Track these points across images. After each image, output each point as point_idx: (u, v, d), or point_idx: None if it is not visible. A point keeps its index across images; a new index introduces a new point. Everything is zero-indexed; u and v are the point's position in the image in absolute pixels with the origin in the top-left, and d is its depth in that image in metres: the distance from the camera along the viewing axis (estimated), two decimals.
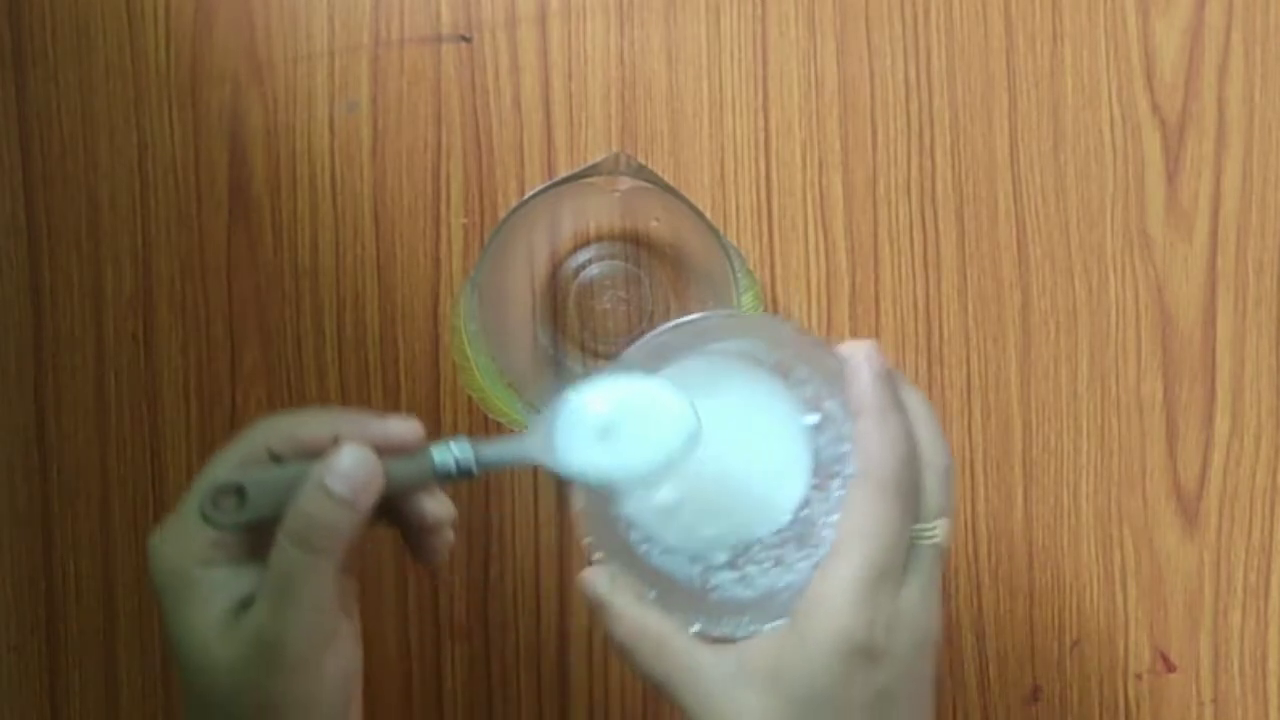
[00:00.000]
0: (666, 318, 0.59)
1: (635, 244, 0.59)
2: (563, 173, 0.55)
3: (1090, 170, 0.60)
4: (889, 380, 0.44)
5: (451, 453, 0.44)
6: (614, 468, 0.45)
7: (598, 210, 0.59)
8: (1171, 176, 0.60)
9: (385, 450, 0.43)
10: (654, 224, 0.58)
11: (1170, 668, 0.60)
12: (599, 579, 0.45)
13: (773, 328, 0.48)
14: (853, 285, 0.61)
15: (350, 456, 0.42)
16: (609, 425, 0.45)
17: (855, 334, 0.60)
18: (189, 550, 0.43)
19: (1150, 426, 0.60)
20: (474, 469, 0.44)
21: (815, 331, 0.61)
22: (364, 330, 0.61)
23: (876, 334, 0.60)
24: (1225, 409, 0.60)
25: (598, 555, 0.46)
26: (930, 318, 0.61)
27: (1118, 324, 0.60)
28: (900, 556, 0.42)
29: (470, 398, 0.57)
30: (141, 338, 0.62)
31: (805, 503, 0.47)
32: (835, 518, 0.44)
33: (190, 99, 0.62)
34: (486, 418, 0.57)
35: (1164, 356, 0.60)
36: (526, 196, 0.53)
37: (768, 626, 0.43)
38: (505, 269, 0.56)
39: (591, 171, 0.53)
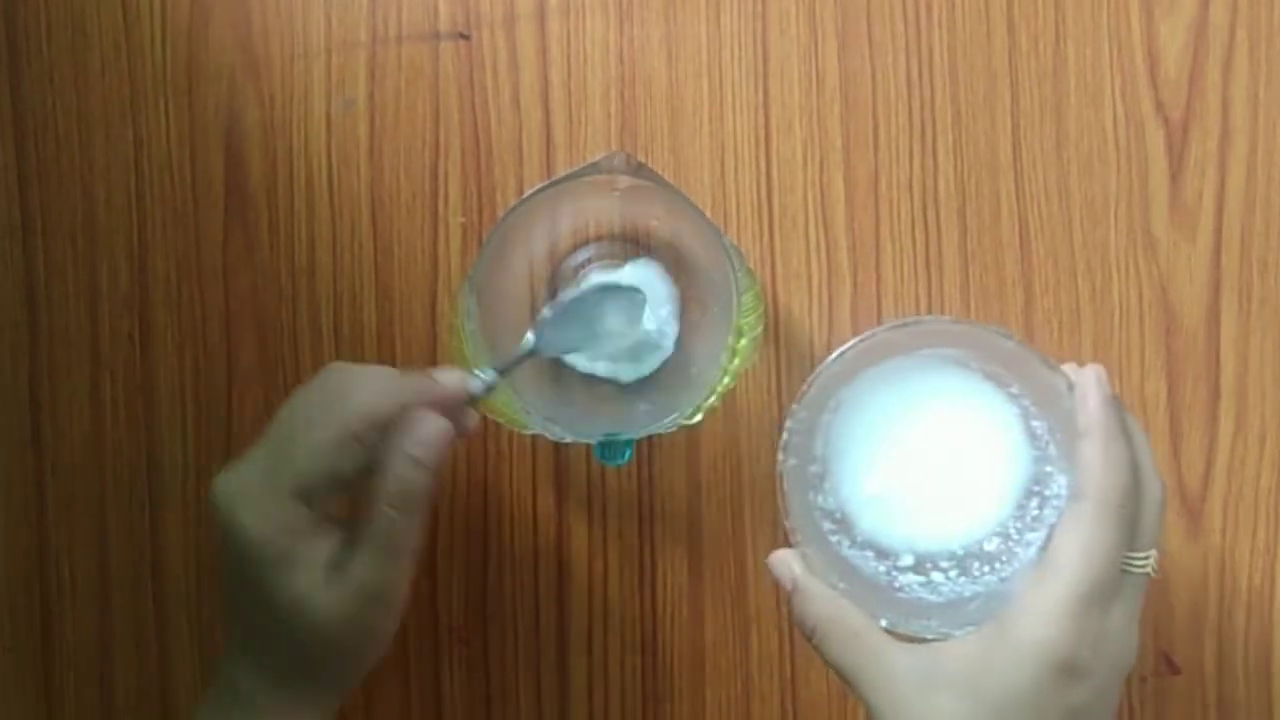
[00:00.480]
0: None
1: (635, 243, 0.59)
2: (562, 171, 0.55)
3: (1093, 169, 0.60)
4: (1117, 406, 0.45)
5: (481, 379, 0.50)
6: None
7: (597, 209, 0.58)
8: (1175, 175, 0.60)
9: (442, 405, 0.49)
10: (654, 223, 0.58)
11: (1174, 670, 0.60)
12: (794, 560, 0.47)
13: (993, 340, 0.48)
14: (854, 284, 0.60)
15: (427, 426, 0.48)
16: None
17: (857, 333, 0.60)
18: (280, 522, 0.47)
19: (1154, 426, 0.60)
20: (496, 384, 0.51)
21: (817, 332, 0.60)
22: (361, 329, 0.61)
23: None
24: (1229, 409, 0.60)
25: (797, 537, 0.47)
26: None
27: (1121, 323, 0.60)
28: (1114, 580, 0.43)
29: None
30: (137, 337, 0.62)
31: (1011, 514, 0.48)
32: (1031, 535, 0.47)
33: (186, 96, 0.61)
34: (485, 417, 0.56)
35: (1168, 356, 0.60)
36: (525, 195, 0.52)
37: (958, 632, 0.44)
38: (504, 268, 0.56)
39: (591, 170, 0.52)
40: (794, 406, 0.48)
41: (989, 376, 0.49)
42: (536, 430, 0.53)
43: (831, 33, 0.60)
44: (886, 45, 0.60)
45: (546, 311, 0.53)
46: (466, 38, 0.61)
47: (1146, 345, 0.60)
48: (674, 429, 0.53)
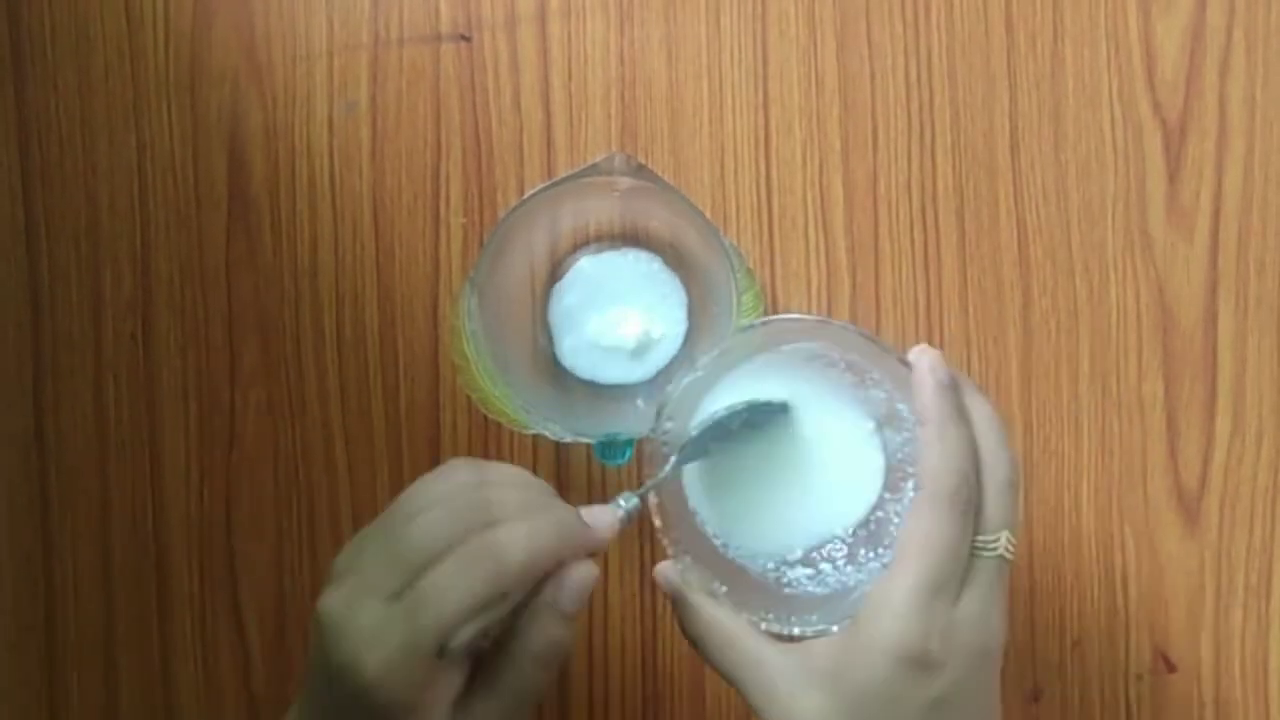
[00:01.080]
0: None
1: (635, 244, 0.59)
2: (562, 172, 0.55)
3: (1091, 170, 0.60)
4: (952, 391, 0.45)
5: (624, 509, 0.46)
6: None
7: (597, 210, 0.59)
8: (1172, 176, 0.60)
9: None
10: (654, 224, 0.58)
11: (1171, 668, 0.60)
12: (671, 573, 0.47)
13: (840, 333, 0.49)
14: (853, 285, 0.61)
15: (580, 579, 0.43)
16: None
17: None
18: (412, 680, 0.41)
19: (1151, 426, 0.60)
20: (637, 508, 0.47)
21: None
22: (363, 330, 0.61)
23: (876, 333, 0.60)
24: (1226, 409, 0.60)
25: (673, 550, 0.48)
26: (931, 317, 0.60)
27: (1119, 324, 0.60)
28: (957, 568, 0.43)
29: (469, 397, 0.57)
30: (140, 339, 0.62)
31: (879, 503, 0.48)
32: None
33: (189, 99, 0.62)
34: (486, 417, 0.57)
35: (1165, 356, 0.60)
36: (526, 196, 0.53)
37: (835, 627, 0.45)
38: (505, 269, 0.56)
39: (591, 171, 0.52)
40: (658, 419, 0.48)
41: (850, 366, 0.49)
42: (536, 430, 0.53)
43: (831, 34, 0.61)
44: (885, 47, 0.61)
45: (693, 431, 0.49)
46: (468, 40, 0.61)
47: (1144, 346, 0.60)
48: None
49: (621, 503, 0.46)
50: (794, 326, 0.50)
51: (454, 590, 0.41)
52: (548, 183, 0.53)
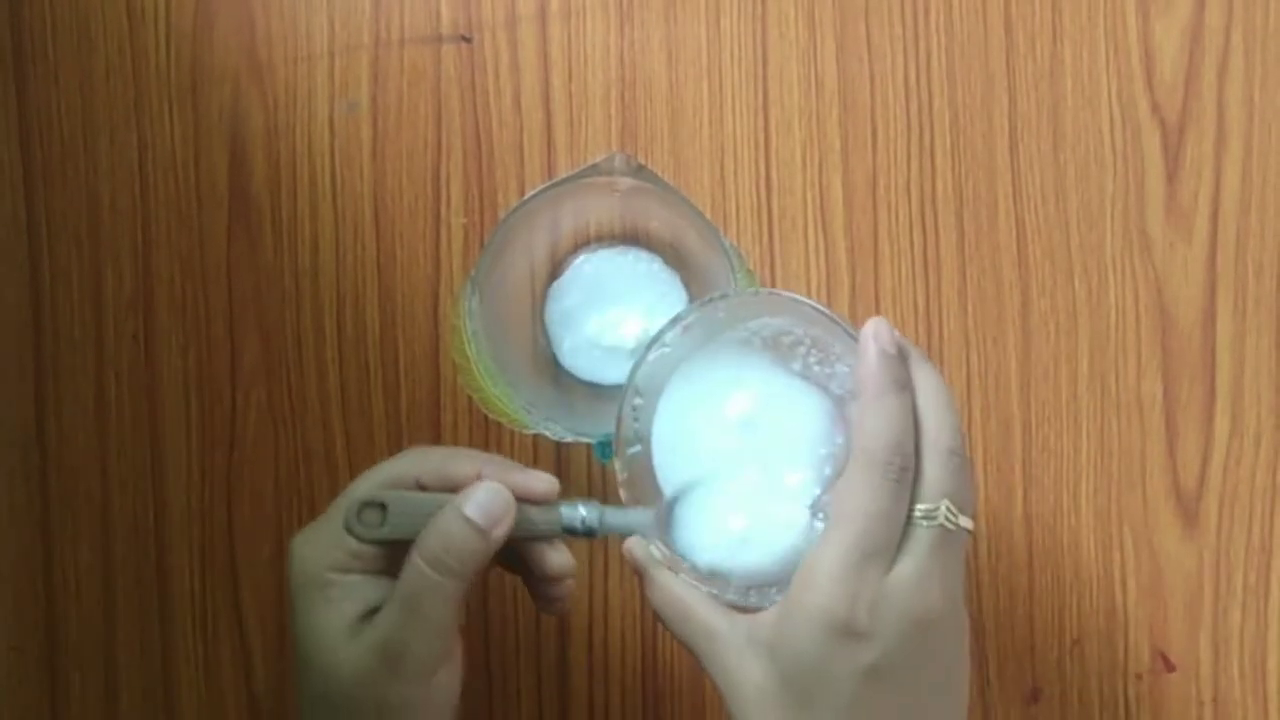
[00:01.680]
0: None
1: (635, 244, 0.59)
2: (563, 173, 0.55)
3: (1090, 170, 0.60)
4: (893, 359, 0.44)
5: (579, 513, 0.48)
6: (734, 570, 0.47)
7: (598, 210, 0.59)
8: (1171, 177, 0.60)
9: (521, 497, 0.47)
10: (654, 224, 0.58)
11: (1170, 668, 0.60)
12: (637, 547, 0.48)
13: (797, 307, 0.48)
14: (852, 285, 0.61)
15: (489, 490, 0.46)
16: (735, 534, 0.48)
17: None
18: (328, 557, 0.46)
19: (1150, 426, 0.60)
20: (597, 530, 0.48)
21: None
22: (364, 330, 0.61)
23: None
24: (1225, 409, 0.60)
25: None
26: (930, 318, 0.61)
27: (1117, 324, 0.60)
28: (888, 537, 0.43)
29: (470, 398, 0.57)
30: (141, 338, 0.62)
31: (836, 475, 0.47)
32: None
33: (190, 99, 0.62)
34: (486, 417, 0.57)
35: (1164, 357, 0.60)
36: (526, 196, 0.53)
37: (781, 597, 0.44)
38: (505, 269, 0.56)
39: (591, 171, 0.53)
40: (626, 396, 0.49)
41: (815, 342, 0.49)
42: (537, 430, 0.53)
43: (830, 35, 0.61)
44: (885, 48, 0.61)
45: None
46: (468, 40, 0.61)
47: (1143, 346, 0.60)
48: None
49: (583, 508, 0.48)
50: (753, 301, 0.50)
51: (370, 476, 0.47)
52: (548, 183, 0.53)
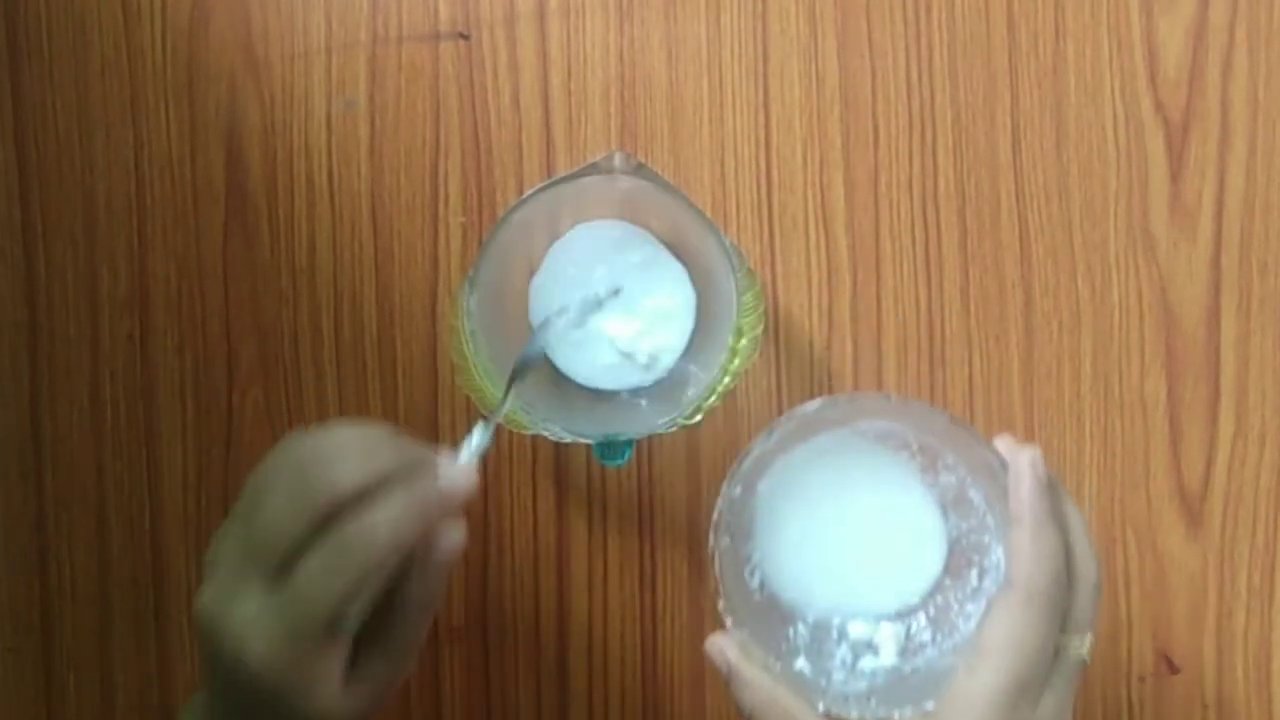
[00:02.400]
0: None
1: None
2: (562, 171, 0.55)
3: (1093, 169, 0.60)
4: (1049, 491, 0.45)
5: (474, 444, 0.47)
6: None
7: (597, 209, 0.58)
8: (1175, 175, 0.60)
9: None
10: (653, 222, 0.58)
11: (1173, 669, 0.60)
12: (729, 646, 0.47)
13: (925, 414, 0.49)
14: (854, 284, 0.60)
15: (445, 544, 0.44)
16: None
17: (856, 336, 0.60)
18: (298, 663, 0.43)
19: (1153, 426, 0.60)
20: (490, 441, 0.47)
21: (817, 332, 0.60)
22: (361, 330, 0.61)
23: (877, 334, 0.60)
24: (1229, 409, 0.60)
25: (730, 619, 0.47)
26: (932, 317, 0.60)
27: (1121, 323, 0.60)
28: (1043, 669, 0.43)
29: (468, 397, 0.56)
30: (137, 337, 0.62)
31: (938, 586, 0.48)
32: (971, 607, 0.47)
33: (186, 96, 0.61)
34: (485, 417, 0.56)
35: (1167, 356, 0.60)
36: (525, 195, 0.52)
37: (896, 714, 0.44)
38: (504, 268, 0.56)
39: (591, 170, 0.52)
40: (726, 484, 0.47)
41: (924, 448, 0.49)
42: (536, 430, 0.53)
43: (831, 32, 0.60)
44: (886, 45, 0.60)
45: (531, 344, 0.52)
46: (466, 38, 0.61)
47: (1146, 345, 0.60)
48: (674, 429, 0.53)
49: (475, 439, 0.46)
50: (876, 405, 0.50)
51: (329, 585, 0.42)
52: (547, 181, 0.52)
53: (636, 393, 0.58)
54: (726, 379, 0.53)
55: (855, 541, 0.49)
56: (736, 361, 0.53)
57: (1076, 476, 0.60)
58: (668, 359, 0.57)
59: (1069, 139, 0.60)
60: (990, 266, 0.60)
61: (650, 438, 0.60)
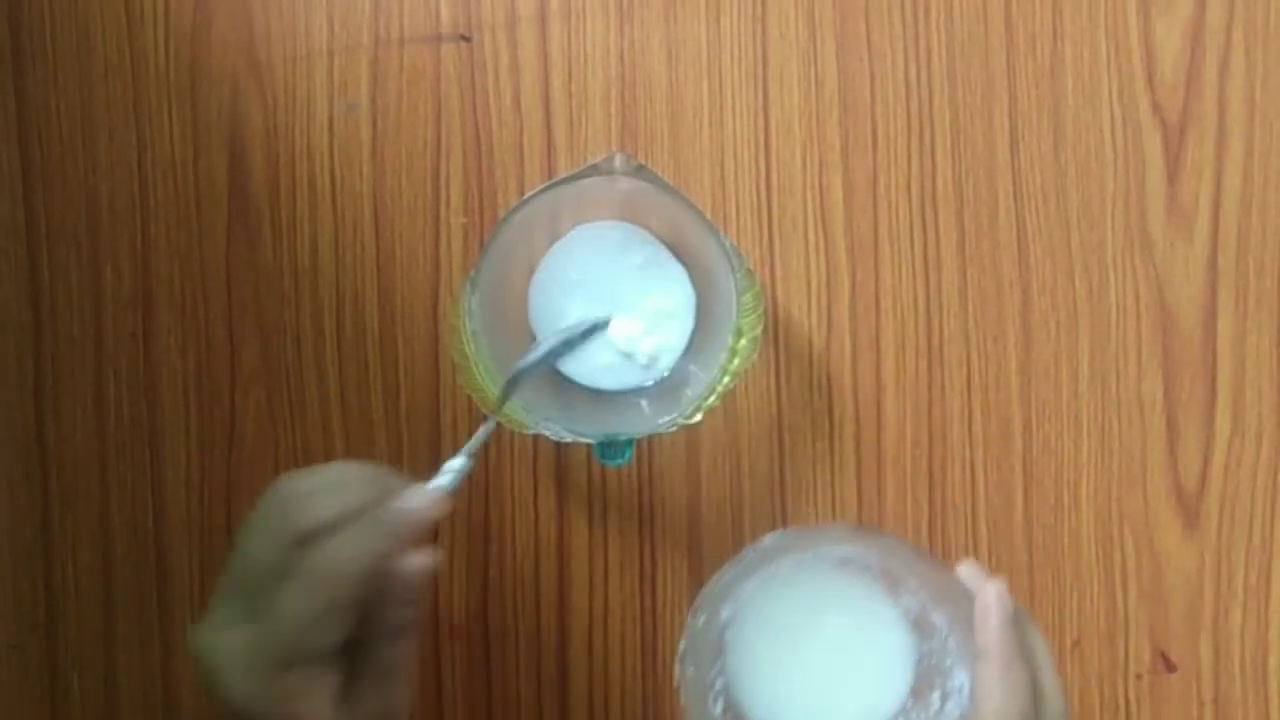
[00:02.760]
0: None
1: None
2: (562, 173, 0.55)
3: (1091, 170, 0.60)
4: (1016, 626, 0.46)
5: (450, 473, 0.49)
6: None
7: (598, 210, 0.58)
8: (1172, 176, 0.60)
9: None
10: (653, 224, 0.58)
11: (1170, 667, 0.60)
12: None
13: (889, 543, 0.50)
14: (853, 285, 0.61)
15: (408, 569, 0.46)
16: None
17: (855, 336, 0.60)
18: (281, 695, 0.44)
19: (1151, 426, 0.60)
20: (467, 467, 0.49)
21: (816, 332, 0.60)
22: (363, 330, 0.61)
23: (876, 334, 0.60)
24: (1226, 408, 0.60)
25: None
26: (930, 317, 0.60)
27: (1118, 323, 0.60)
28: None
29: (470, 397, 0.57)
30: (141, 338, 0.62)
31: (902, 709, 0.49)
32: None
33: (189, 99, 0.62)
34: (486, 417, 0.56)
35: (1164, 356, 0.60)
36: (526, 196, 0.53)
37: None
38: (505, 269, 0.56)
39: (591, 171, 0.52)
40: (690, 615, 0.48)
41: (885, 573, 0.50)
42: (536, 430, 0.53)
43: (830, 35, 0.61)
44: (885, 47, 0.61)
45: (524, 362, 0.53)
46: (468, 40, 0.61)
47: (1143, 345, 0.60)
48: (674, 429, 0.53)
49: (453, 467, 0.48)
50: (839, 533, 0.51)
51: (298, 609, 0.44)
52: (548, 183, 0.53)
53: (637, 392, 0.58)
54: (726, 379, 0.53)
55: (825, 663, 0.50)
56: (736, 361, 0.53)
57: (1074, 475, 0.60)
58: (668, 359, 0.57)
59: (1067, 140, 0.60)
60: (988, 267, 0.60)
61: (650, 438, 0.60)
